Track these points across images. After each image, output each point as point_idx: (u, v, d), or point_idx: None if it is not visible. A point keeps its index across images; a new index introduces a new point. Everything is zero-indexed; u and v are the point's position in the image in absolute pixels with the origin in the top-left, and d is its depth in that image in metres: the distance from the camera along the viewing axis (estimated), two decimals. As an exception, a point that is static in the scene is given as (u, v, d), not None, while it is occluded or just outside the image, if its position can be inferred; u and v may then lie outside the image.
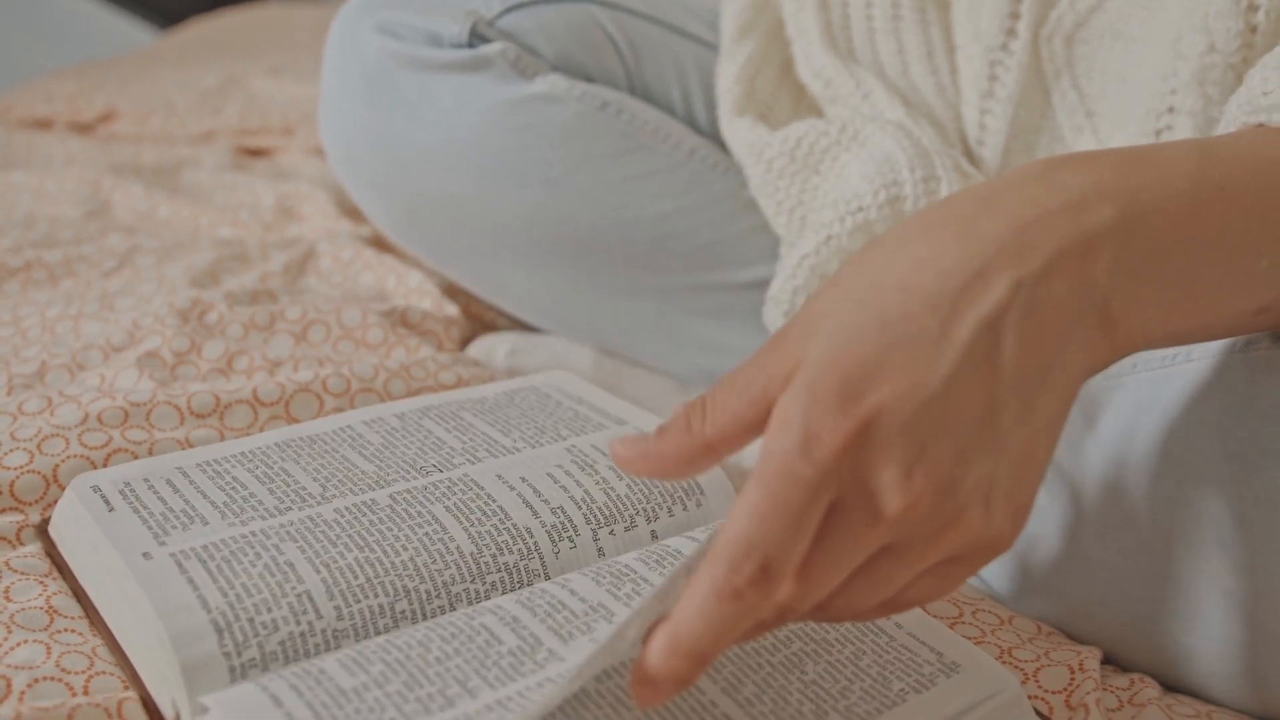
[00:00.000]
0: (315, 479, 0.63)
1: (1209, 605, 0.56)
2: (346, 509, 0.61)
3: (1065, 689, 0.58)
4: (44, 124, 1.55)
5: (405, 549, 0.59)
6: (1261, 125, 0.52)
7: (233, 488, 0.62)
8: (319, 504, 0.61)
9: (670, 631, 0.42)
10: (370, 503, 0.62)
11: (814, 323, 0.45)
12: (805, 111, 0.90)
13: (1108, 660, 0.63)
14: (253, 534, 0.58)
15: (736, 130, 0.87)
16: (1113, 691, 0.59)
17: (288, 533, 0.59)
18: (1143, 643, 0.60)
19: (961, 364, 0.43)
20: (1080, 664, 0.59)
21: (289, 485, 0.63)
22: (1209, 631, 0.56)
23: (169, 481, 0.63)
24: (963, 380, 0.43)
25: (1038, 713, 0.55)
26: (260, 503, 0.61)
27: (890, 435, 0.42)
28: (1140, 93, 0.70)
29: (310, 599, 0.55)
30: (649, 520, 0.65)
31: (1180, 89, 0.67)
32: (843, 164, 0.81)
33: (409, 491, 0.63)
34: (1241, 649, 0.56)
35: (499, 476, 0.65)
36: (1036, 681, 0.59)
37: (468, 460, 0.66)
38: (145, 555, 0.56)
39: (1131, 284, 0.46)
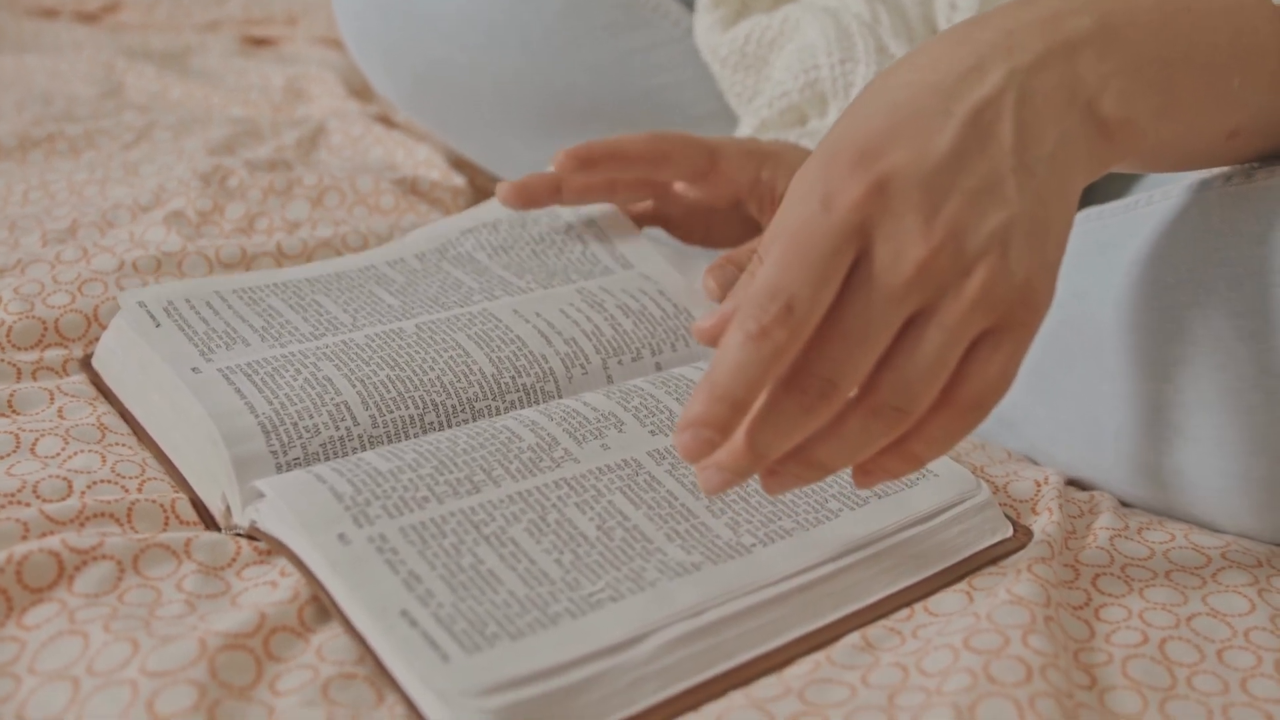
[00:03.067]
0: (345, 310, 0.69)
1: (1170, 423, 0.61)
2: (376, 335, 0.66)
3: (1031, 498, 0.64)
4: (50, 13, 1.58)
5: (432, 369, 0.64)
6: None
7: (269, 314, 0.67)
8: (350, 331, 0.66)
9: (706, 378, 0.45)
10: (398, 331, 0.67)
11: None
12: (784, 2, 0.94)
13: (1070, 483, 0.68)
14: (291, 354, 0.64)
15: (698, 32, 0.92)
16: (1074, 503, 0.65)
17: (323, 354, 0.64)
18: (1104, 464, 0.65)
19: (965, 135, 0.47)
20: (1045, 479, 0.65)
21: (321, 315, 0.68)
22: (1167, 448, 0.62)
23: (209, 304, 0.67)
24: (968, 149, 0.47)
25: (1006, 516, 0.61)
26: (296, 329, 0.66)
27: (907, 191, 0.46)
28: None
29: (348, 408, 0.61)
30: (654, 354, 0.70)
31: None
32: (787, 53, 0.86)
33: (433, 322, 0.68)
34: (1196, 462, 0.61)
35: (515, 311, 0.70)
36: (1006, 493, 0.64)
37: (485, 298, 0.71)
38: (194, 370, 0.62)
39: (1116, 81, 0.50)
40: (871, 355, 0.45)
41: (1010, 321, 0.47)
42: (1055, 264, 0.49)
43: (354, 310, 0.69)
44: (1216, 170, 0.62)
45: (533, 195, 0.77)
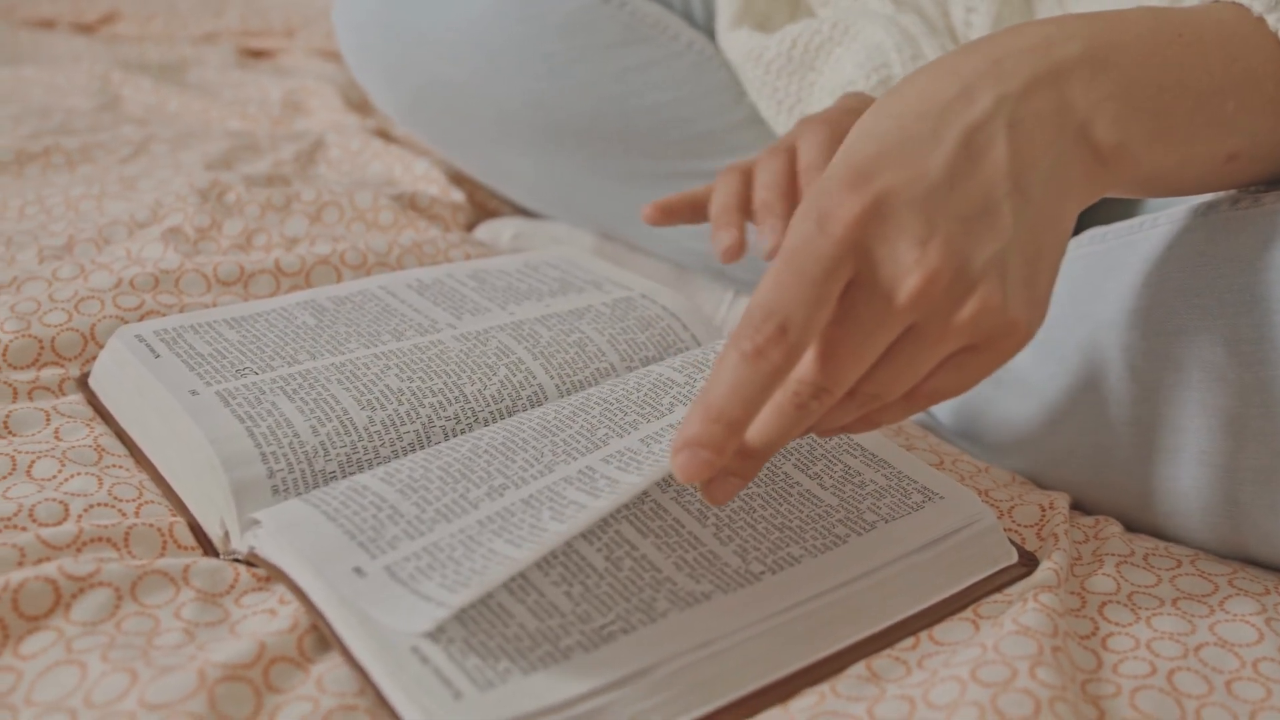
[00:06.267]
0: (353, 331, 0.68)
1: (1175, 446, 0.61)
2: (377, 355, 0.65)
3: (1037, 523, 0.63)
4: (47, 24, 1.57)
5: (440, 383, 0.63)
6: (1214, 0, 0.57)
7: (262, 340, 0.67)
8: (349, 352, 0.66)
9: (700, 399, 0.46)
10: (397, 350, 0.66)
11: None
12: (801, 18, 0.94)
13: (1075, 506, 0.68)
14: (291, 375, 0.63)
15: (734, 41, 0.91)
16: (1079, 528, 0.64)
17: (326, 373, 0.63)
18: (1109, 488, 0.65)
19: (956, 158, 0.47)
20: (1051, 503, 0.65)
21: (322, 336, 0.67)
22: (1174, 472, 0.61)
23: (204, 333, 0.67)
24: (960, 172, 0.47)
25: (1011, 542, 0.60)
26: (293, 354, 0.66)
27: (901, 213, 0.46)
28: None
29: (353, 427, 0.60)
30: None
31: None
32: (836, 58, 0.85)
33: (429, 343, 0.67)
34: (1206, 487, 0.60)
35: (517, 335, 0.69)
36: (1010, 517, 0.64)
37: (497, 313, 0.71)
38: (192, 393, 0.61)
39: (1108, 106, 0.50)
40: (864, 368, 0.47)
41: (990, 346, 0.48)
42: (1046, 297, 0.49)
43: (356, 331, 0.68)
44: (1223, 193, 0.61)
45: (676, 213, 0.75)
